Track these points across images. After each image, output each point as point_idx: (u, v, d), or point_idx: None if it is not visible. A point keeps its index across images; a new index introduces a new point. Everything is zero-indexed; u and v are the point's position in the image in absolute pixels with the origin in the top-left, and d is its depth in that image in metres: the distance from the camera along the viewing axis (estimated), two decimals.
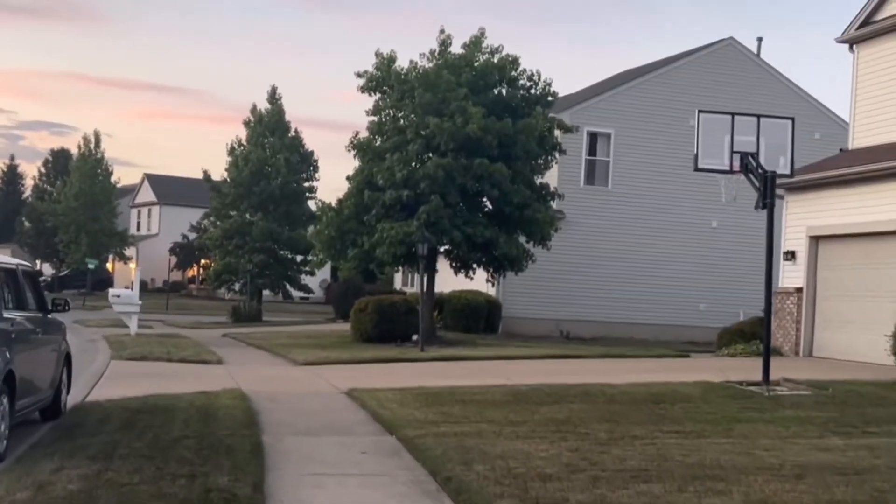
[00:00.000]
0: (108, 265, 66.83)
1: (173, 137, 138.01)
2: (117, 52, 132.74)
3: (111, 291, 27.58)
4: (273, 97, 43.34)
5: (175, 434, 9.95)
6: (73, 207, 63.60)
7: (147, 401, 12.60)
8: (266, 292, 44.52)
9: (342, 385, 15.07)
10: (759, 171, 15.28)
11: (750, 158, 15.47)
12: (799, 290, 20.92)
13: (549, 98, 25.18)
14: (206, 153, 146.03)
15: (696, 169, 15.80)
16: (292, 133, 43.47)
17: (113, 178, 66.56)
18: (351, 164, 25.34)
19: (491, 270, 25.03)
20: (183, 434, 9.95)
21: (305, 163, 43.28)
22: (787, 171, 15.80)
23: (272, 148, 42.21)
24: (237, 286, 43.63)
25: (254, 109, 42.98)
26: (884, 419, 11.55)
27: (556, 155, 24.78)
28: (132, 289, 27.46)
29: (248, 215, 41.76)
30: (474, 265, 25.05)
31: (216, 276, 42.99)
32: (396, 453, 9.63)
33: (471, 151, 22.96)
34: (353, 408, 12.90)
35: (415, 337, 24.91)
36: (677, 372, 17.01)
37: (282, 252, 42.51)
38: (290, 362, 19.86)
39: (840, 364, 18.36)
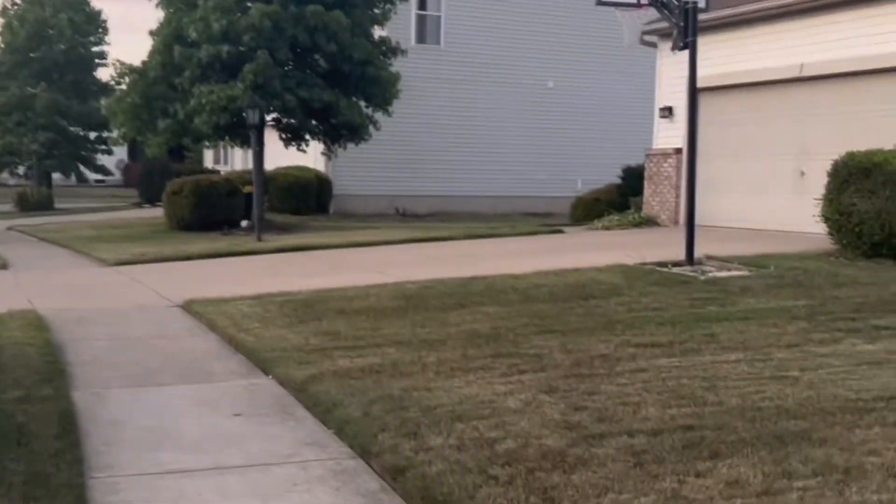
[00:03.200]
0: None
1: None
2: None
3: None
4: None
5: None
6: None
7: None
8: (57, 175, 39.18)
9: (174, 294, 11.69)
10: (674, 3, 12.57)
11: None
12: (678, 150, 18.68)
13: None
14: None
15: (599, 2, 12.90)
16: None
17: None
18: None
19: (328, 141, 21.59)
20: None
21: (93, 24, 37.54)
22: (702, 4, 13.08)
23: (52, 6, 36.30)
24: (22, 170, 38.05)
25: None
26: (871, 306, 9.34)
27: (397, 2, 21.30)
28: None
29: (28, 87, 36.03)
30: (307, 136, 21.58)
31: None
32: (287, 411, 6.54)
33: None
34: (199, 330, 9.63)
35: (244, 223, 21.50)
36: (572, 252, 14.54)
37: (72, 128, 37.17)
38: (98, 262, 16.10)
39: (737, 233, 16.28)
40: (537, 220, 25.83)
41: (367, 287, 11.48)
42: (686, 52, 13.07)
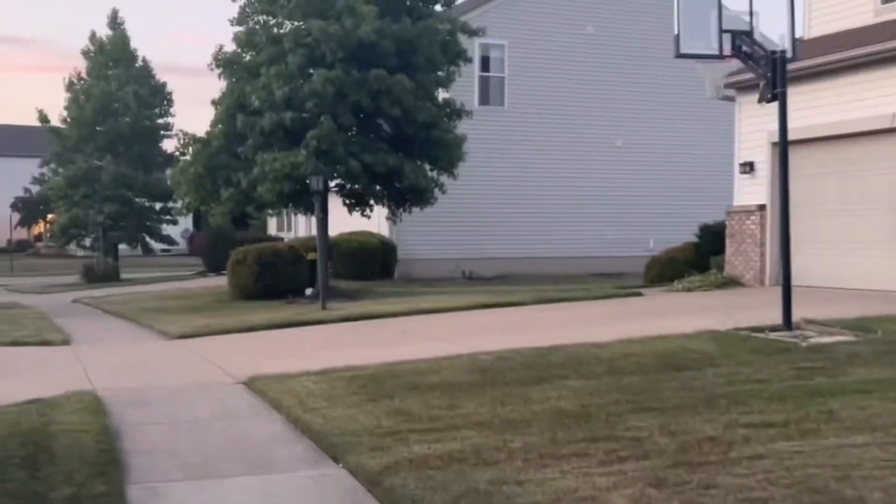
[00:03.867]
0: None
1: (11, 90, 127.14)
2: None
3: None
4: (114, 22, 37.57)
5: None
6: None
7: None
8: (123, 246, 39.32)
9: (237, 369, 11.11)
10: (760, 53, 11.87)
11: (744, 37, 12.04)
12: (762, 207, 17.83)
13: None
14: (49, 104, 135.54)
15: (678, 55, 12.21)
16: (140, 63, 37.92)
17: None
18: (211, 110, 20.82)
19: (393, 206, 21.07)
20: None
21: (158, 96, 37.79)
22: (789, 53, 12.33)
23: (118, 80, 36.64)
24: (88, 241, 38.22)
25: (93, 37, 37.17)
26: None
27: (461, 64, 20.85)
28: None
29: (94, 160, 36.30)
30: (372, 201, 21.09)
31: (62, 230, 37.40)
32: None
33: (364, 62, 18.87)
34: (262, 410, 8.98)
35: (308, 291, 20.98)
36: (655, 317, 13.73)
37: (138, 200, 37.27)
38: (160, 335, 15.63)
39: (830, 294, 15.31)
40: (609, 282, 25.01)
41: (438, 359, 10.79)
42: (769, 105, 12.37)
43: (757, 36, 12.14)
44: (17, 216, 59.19)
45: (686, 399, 8.11)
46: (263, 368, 10.83)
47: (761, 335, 11.08)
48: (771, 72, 11.56)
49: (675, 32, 11.99)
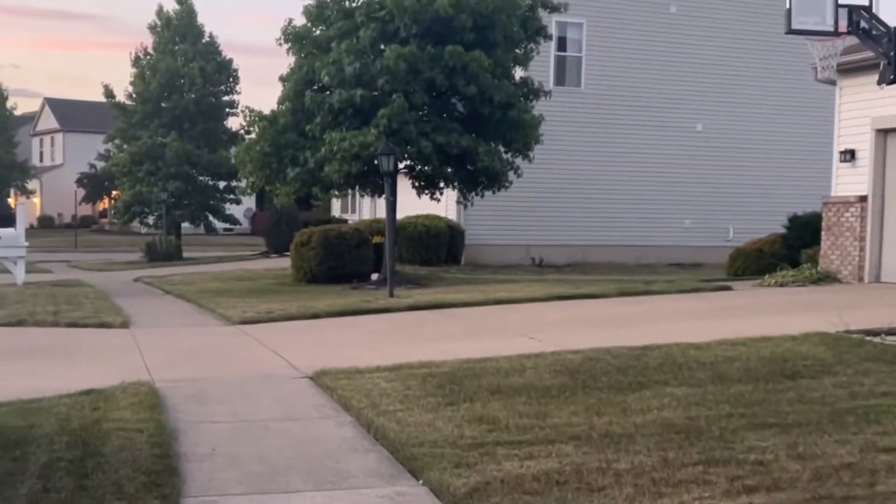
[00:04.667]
0: (10, 200, 60.35)
1: (83, 67, 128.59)
2: None
3: None
4: None
5: None
6: None
7: None
8: (185, 224, 39.02)
9: (302, 361, 10.39)
10: (881, 30, 10.78)
11: (862, 12, 10.96)
12: (862, 198, 16.62)
13: None
14: (116, 80, 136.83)
15: (789, 31, 11.17)
16: (206, 39, 37.44)
17: (9, 104, 59.97)
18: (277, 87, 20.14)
19: (464, 189, 20.19)
20: None
21: (224, 73, 37.26)
22: None
23: (184, 56, 36.23)
24: (151, 219, 37.95)
25: (160, 11, 36.76)
26: None
27: (541, 41, 19.84)
28: (16, 227, 21.96)
29: (159, 136, 35.95)
30: (442, 184, 20.24)
31: (126, 208, 37.12)
32: None
33: (439, 37, 17.98)
34: (330, 410, 8.21)
35: (374, 276, 20.28)
36: (752, 315, 12.76)
37: (201, 178, 36.85)
38: (221, 320, 14.97)
39: None
40: (687, 273, 23.94)
41: (520, 357, 9.93)
42: (876, 89, 11.31)
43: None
44: (82, 192, 59.43)
45: (807, 414, 7.16)
46: (330, 361, 10.09)
47: (877, 339, 10.05)
48: (894, 50, 10.46)
49: (787, 6, 11.00)
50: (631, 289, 16.66)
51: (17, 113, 63.64)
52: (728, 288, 16.81)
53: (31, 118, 73.26)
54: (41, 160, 70.75)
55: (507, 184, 19.60)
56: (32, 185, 62.59)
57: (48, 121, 70.67)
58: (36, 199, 65.87)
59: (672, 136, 27.30)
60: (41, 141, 72.36)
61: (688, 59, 27.26)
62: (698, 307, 14.21)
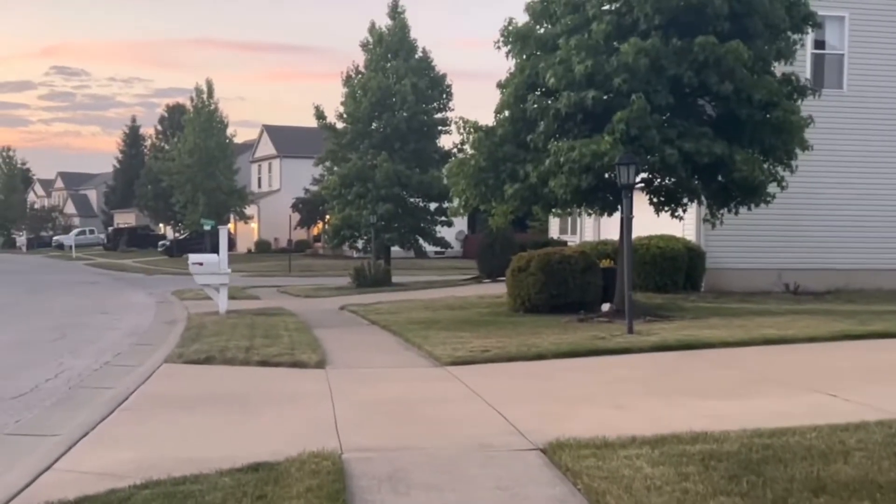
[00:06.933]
0: (230, 225, 61.58)
1: (301, 96, 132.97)
2: (247, 15, 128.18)
3: (191, 258, 20.65)
4: (395, 11, 35.60)
5: None
6: (188, 164, 58.62)
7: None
8: (395, 248, 37.53)
9: (529, 422, 7.96)
10: None
11: None
12: None
13: None
14: (330, 105, 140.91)
15: None
16: (419, 54, 35.83)
17: (229, 131, 61.22)
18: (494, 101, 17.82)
19: (714, 205, 17.20)
20: None
21: (436, 89, 35.46)
22: None
23: (396, 73, 34.71)
24: (360, 243, 36.60)
25: (372, 28, 35.40)
26: None
27: (809, 31, 16.63)
28: (219, 253, 20.66)
29: (369, 157, 34.58)
30: (686, 199, 17.34)
31: (335, 232, 35.86)
32: None
33: (686, 27, 15.20)
34: None
35: (605, 306, 17.62)
36: None
37: (412, 199, 35.21)
38: (429, 358, 12.69)
39: None
40: None
41: (832, 428, 7.14)
42: None
43: None
44: (297, 216, 59.82)
45: None
46: (565, 423, 7.63)
47: None
48: None
49: None
50: None
51: (238, 141, 65.09)
52: None
53: (250, 146, 75.08)
54: (259, 186, 72.20)
55: (768, 198, 16.50)
56: (251, 210, 63.66)
57: (266, 147, 72.08)
58: (254, 224, 67.13)
59: None
60: (259, 167, 73.93)
61: None
62: None
